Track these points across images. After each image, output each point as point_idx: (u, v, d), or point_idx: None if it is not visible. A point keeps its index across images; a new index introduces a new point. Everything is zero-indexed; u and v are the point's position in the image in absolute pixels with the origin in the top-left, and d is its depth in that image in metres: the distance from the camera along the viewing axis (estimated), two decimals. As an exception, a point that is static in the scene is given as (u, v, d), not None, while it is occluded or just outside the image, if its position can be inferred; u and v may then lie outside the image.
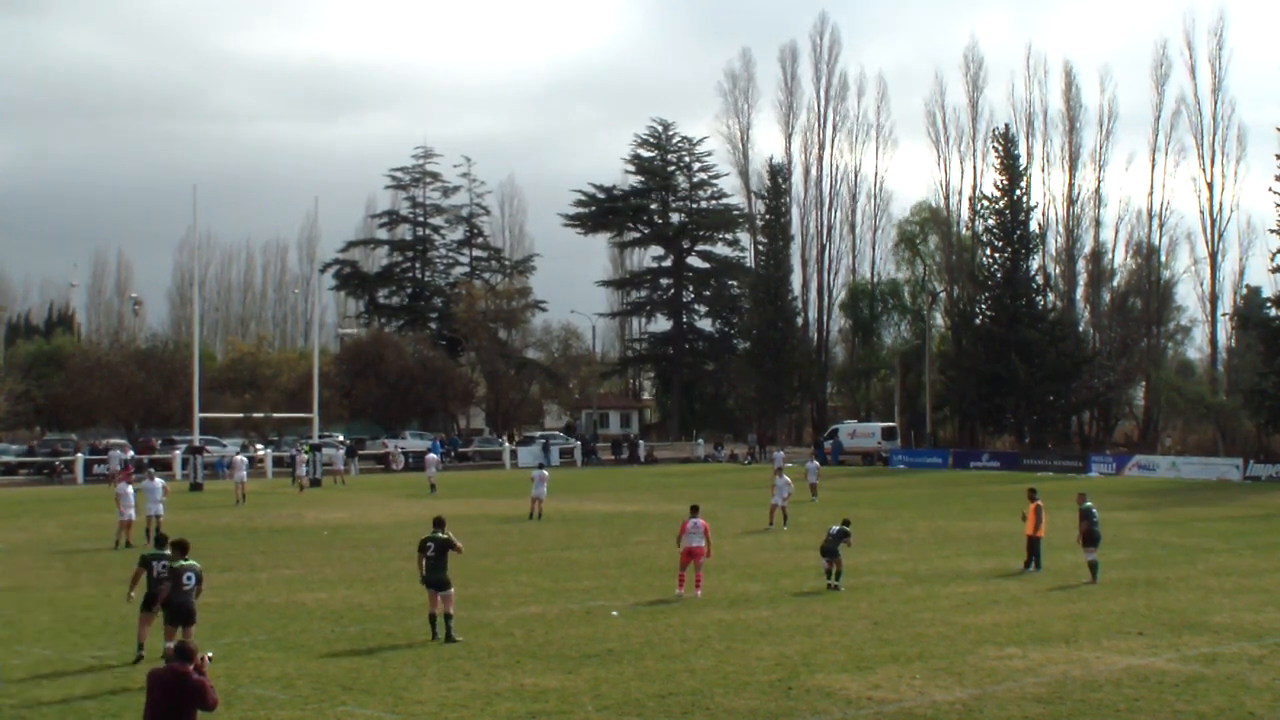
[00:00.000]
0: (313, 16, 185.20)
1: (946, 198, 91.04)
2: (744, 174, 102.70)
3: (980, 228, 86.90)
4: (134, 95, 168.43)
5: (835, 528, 24.86)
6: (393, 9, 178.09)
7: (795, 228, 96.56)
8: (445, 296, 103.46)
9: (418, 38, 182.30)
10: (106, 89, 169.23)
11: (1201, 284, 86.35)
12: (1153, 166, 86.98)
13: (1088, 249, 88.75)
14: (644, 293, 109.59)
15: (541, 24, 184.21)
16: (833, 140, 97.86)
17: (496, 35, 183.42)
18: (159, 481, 34.38)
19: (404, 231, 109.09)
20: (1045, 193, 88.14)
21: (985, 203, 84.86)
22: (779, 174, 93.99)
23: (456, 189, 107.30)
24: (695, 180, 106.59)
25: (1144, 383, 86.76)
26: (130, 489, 33.12)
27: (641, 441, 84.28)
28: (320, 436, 65.20)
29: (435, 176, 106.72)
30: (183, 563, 17.22)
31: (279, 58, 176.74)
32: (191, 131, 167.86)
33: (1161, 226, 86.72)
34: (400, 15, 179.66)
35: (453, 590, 19.37)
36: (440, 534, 19.53)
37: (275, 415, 75.55)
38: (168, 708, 10.54)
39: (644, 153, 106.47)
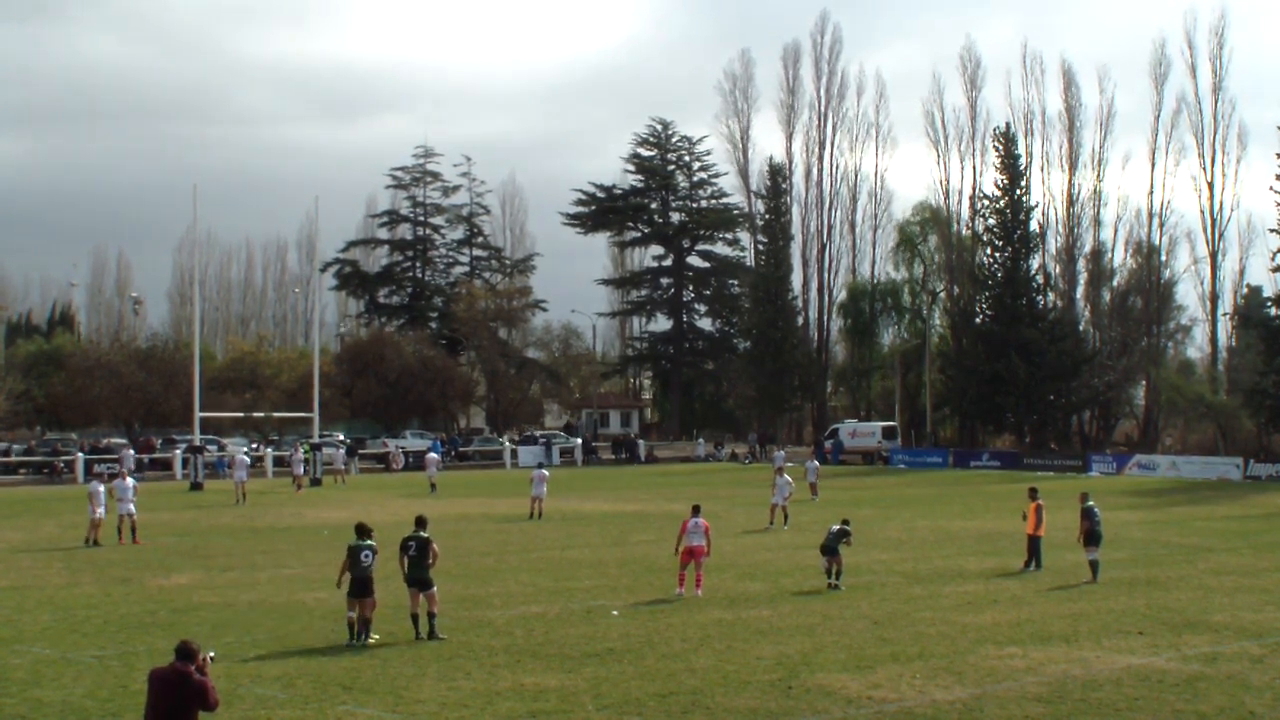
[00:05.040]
0: (328, 20, 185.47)
1: (946, 197, 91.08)
2: (744, 174, 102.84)
3: (980, 227, 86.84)
4: (144, 98, 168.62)
5: (835, 526, 24.87)
6: (406, 13, 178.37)
7: (795, 227, 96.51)
8: (445, 296, 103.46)
9: (429, 41, 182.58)
10: (117, 92, 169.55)
11: (1201, 283, 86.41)
12: (1152, 166, 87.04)
13: (1088, 248, 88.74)
14: (644, 292, 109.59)
15: (551, 26, 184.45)
16: (833, 140, 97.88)
17: (505, 37, 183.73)
18: (130, 481, 34.38)
19: (404, 231, 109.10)
20: (1045, 192, 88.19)
21: (985, 202, 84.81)
22: (779, 173, 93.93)
23: (457, 188, 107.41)
24: (695, 179, 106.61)
25: (1144, 382, 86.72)
26: (101, 488, 33.15)
27: (641, 441, 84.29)
28: (320, 436, 65.21)
29: (435, 176, 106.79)
30: (359, 543, 19.00)
31: (294, 61, 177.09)
32: (195, 133, 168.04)
33: (1161, 226, 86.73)
34: (413, 19, 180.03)
35: (435, 589, 19.40)
36: (422, 533, 19.58)
37: (275, 415, 75.56)
38: (168, 707, 10.54)
39: (644, 152, 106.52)
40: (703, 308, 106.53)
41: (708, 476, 64.15)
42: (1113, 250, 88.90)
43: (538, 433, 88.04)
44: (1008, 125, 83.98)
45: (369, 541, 19.11)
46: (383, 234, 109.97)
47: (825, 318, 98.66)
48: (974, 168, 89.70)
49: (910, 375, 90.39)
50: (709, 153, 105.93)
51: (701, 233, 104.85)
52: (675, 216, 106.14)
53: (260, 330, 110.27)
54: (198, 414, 60.79)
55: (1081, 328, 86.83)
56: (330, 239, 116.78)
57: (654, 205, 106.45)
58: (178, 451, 64.45)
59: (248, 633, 19.90)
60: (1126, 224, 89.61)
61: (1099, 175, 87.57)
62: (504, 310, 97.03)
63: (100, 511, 32.42)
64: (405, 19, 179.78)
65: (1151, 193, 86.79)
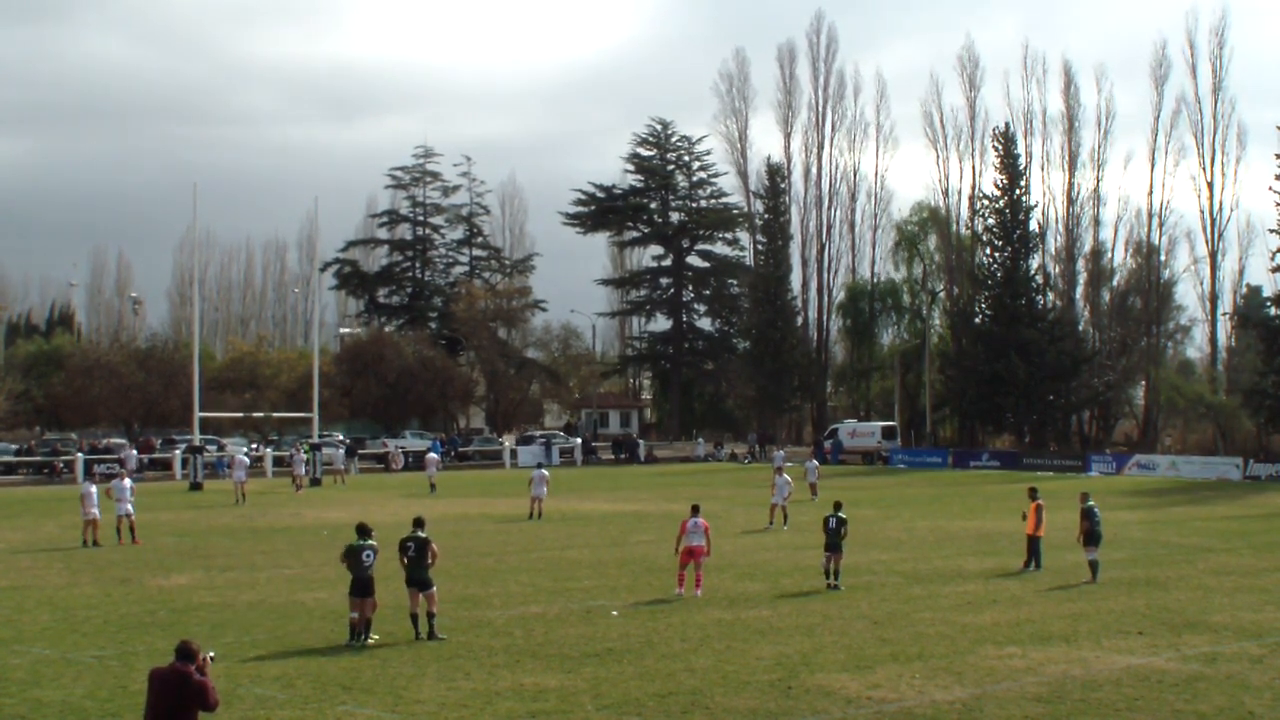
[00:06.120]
0: (329, 21, 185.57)
1: (945, 197, 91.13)
2: (743, 174, 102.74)
3: (980, 227, 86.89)
4: (144, 98, 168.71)
5: (832, 519, 24.64)
6: (406, 14, 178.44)
7: (795, 227, 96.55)
8: (445, 296, 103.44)
9: (429, 42, 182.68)
10: (118, 92, 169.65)
11: (1201, 283, 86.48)
12: (1152, 166, 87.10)
13: (1087, 248, 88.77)
14: (644, 292, 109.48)
15: (551, 26, 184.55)
16: (831, 140, 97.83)
17: (505, 38, 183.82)
18: (127, 481, 34.40)
19: (404, 231, 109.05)
20: (1045, 192, 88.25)
21: (985, 202, 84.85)
22: (778, 174, 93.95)
23: (456, 188, 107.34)
24: (695, 179, 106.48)
25: (1144, 382, 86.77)
26: (94, 489, 33.16)
27: (641, 441, 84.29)
28: (320, 436, 65.20)
29: (435, 176, 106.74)
30: (361, 543, 18.99)
31: (295, 61, 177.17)
32: (195, 133, 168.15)
33: (1161, 226, 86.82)
34: (414, 20, 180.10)
35: (435, 589, 19.42)
36: (420, 533, 19.59)
37: (275, 415, 75.54)
38: (168, 707, 10.54)
39: (643, 152, 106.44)
40: (702, 308, 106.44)
41: (707, 476, 64.14)
42: (1112, 250, 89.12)
43: (537, 433, 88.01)
44: (1007, 125, 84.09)
45: (370, 541, 19.11)
46: (383, 234, 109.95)
47: (825, 318, 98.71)
48: (973, 168, 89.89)
49: (910, 375, 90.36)
50: (709, 153, 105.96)
51: (701, 233, 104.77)
52: (675, 216, 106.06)
53: (260, 330, 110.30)
54: (197, 414, 60.78)
55: (1081, 328, 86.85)
56: (330, 239, 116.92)
57: (654, 205, 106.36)
58: (177, 452, 64.42)
59: (247, 633, 19.90)
60: (1126, 224, 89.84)
61: (1099, 175, 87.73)
62: (504, 310, 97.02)
63: (94, 512, 32.41)
64: (405, 20, 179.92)
65: (1151, 193, 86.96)
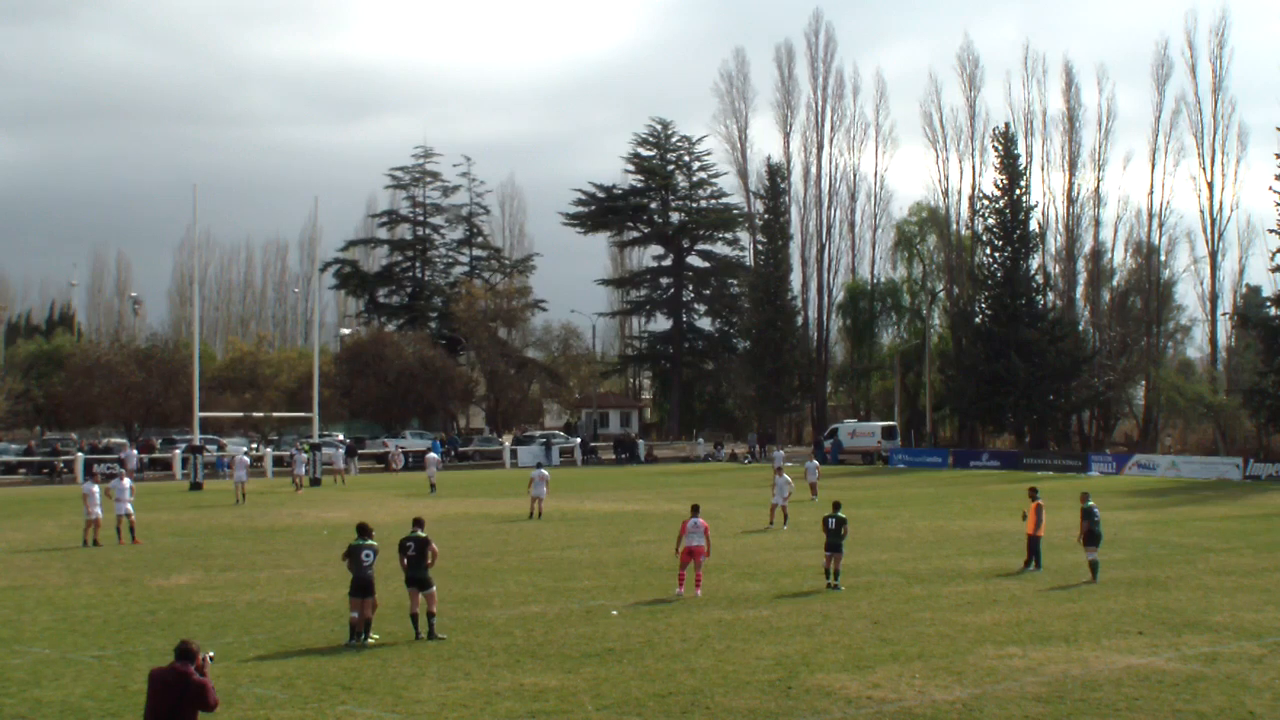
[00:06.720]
0: (329, 22, 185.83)
1: (945, 197, 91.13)
2: (743, 174, 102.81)
3: (980, 227, 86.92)
4: (144, 98, 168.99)
5: (831, 519, 24.62)
6: (407, 14, 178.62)
7: (795, 227, 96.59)
8: (445, 296, 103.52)
9: (430, 42, 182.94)
10: (118, 92, 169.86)
11: (1201, 283, 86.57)
12: (1152, 166, 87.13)
13: (1087, 248, 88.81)
14: (644, 292, 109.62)
15: (552, 26, 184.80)
16: (831, 140, 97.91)
17: (506, 38, 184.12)
18: (127, 481, 34.41)
19: (404, 231, 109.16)
20: (1045, 192, 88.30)
21: (985, 202, 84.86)
22: (777, 174, 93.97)
23: (456, 188, 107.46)
24: (695, 179, 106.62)
25: (1144, 382, 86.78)
26: (95, 488, 33.22)
27: (641, 441, 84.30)
28: (320, 436, 65.19)
29: (435, 176, 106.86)
30: (361, 542, 18.98)
31: (296, 62, 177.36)
32: (195, 133, 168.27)
33: (1161, 226, 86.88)
34: (414, 20, 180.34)
35: (435, 589, 19.43)
36: (420, 533, 19.60)
37: (275, 415, 75.54)
38: (168, 707, 10.54)
39: (643, 152, 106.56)
40: (702, 307, 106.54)
41: (708, 476, 64.13)
42: (1112, 250, 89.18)
43: (536, 432, 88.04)
44: (1007, 125, 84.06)
45: (370, 541, 19.11)
46: (383, 234, 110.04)
47: (825, 317, 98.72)
48: (973, 168, 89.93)
49: (910, 375, 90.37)
50: (709, 153, 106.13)
51: (701, 233, 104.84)
52: (675, 216, 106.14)
53: (260, 330, 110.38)
54: (197, 414, 60.77)
55: (1081, 328, 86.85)
56: (330, 239, 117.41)
57: (654, 205, 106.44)
58: (178, 451, 64.45)
59: (247, 633, 19.89)
60: (1126, 224, 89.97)
61: (1099, 175, 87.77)
62: (504, 310, 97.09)
63: (96, 511, 32.47)
64: (406, 20, 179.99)
65: (1151, 193, 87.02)
